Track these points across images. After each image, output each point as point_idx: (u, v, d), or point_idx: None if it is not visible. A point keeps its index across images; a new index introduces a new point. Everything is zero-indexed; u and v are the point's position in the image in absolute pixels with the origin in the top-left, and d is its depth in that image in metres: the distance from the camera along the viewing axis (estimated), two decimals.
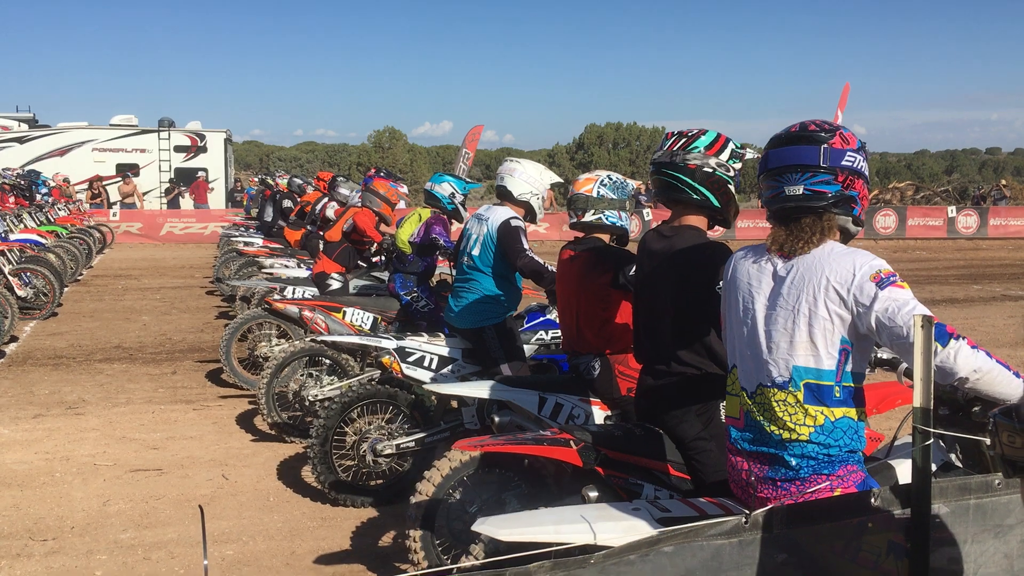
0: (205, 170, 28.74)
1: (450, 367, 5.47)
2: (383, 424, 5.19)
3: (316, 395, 6.26)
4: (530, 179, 5.45)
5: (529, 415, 4.26)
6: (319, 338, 6.41)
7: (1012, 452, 0.57)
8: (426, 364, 5.41)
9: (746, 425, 2.60)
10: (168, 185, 28.53)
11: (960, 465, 2.93)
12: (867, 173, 2.58)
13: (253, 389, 7.37)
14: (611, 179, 4.45)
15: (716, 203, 3.37)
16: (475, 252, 5.36)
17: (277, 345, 7.55)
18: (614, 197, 4.37)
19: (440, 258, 7.16)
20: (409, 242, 7.06)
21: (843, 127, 2.59)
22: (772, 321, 2.50)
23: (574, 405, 4.31)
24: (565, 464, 3.43)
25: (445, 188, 6.95)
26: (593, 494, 3.28)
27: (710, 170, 3.33)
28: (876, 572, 2.05)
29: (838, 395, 2.42)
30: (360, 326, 7.19)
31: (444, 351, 5.48)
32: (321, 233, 9.87)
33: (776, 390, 2.49)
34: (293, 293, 8.34)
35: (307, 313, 7.17)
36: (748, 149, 3.50)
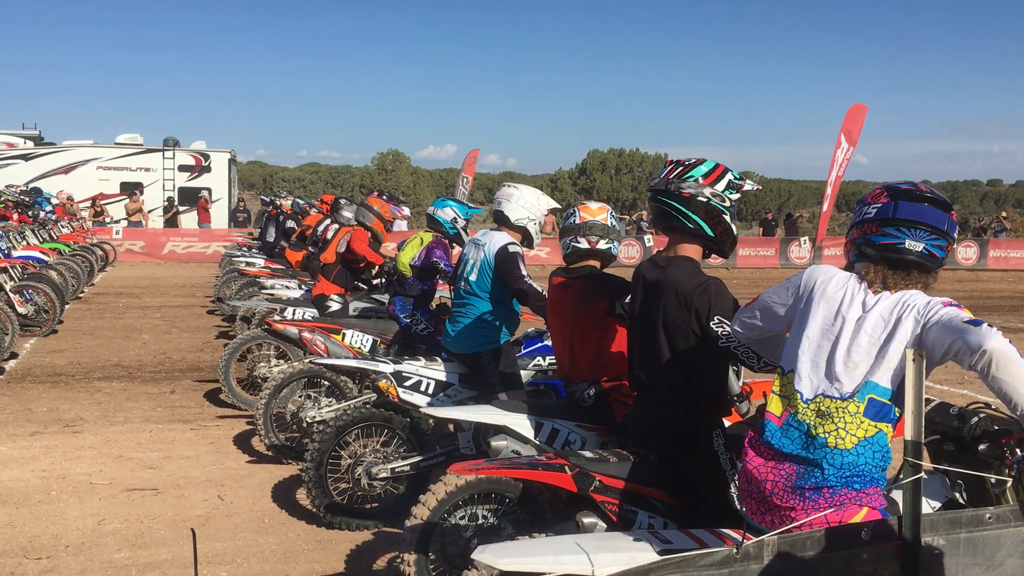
0: (208, 190, 28.86)
1: (447, 392, 5.48)
2: (378, 448, 5.19)
3: (314, 416, 6.27)
4: (527, 204, 5.50)
5: (525, 440, 4.26)
6: (317, 360, 6.43)
7: None
8: (423, 389, 5.42)
9: (787, 424, 2.69)
10: (166, 204, 28.60)
11: (964, 502, 2.94)
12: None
13: (251, 410, 7.38)
14: (612, 212, 4.65)
15: (710, 232, 3.40)
16: (472, 277, 5.39)
17: (276, 366, 7.56)
18: (619, 229, 4.55)
19: (440, 282, 7.18)
20: (410, 265, 7.09)
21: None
22: (855, 343, 2.62)
23: (570, 431, 4.31)
24: (560, 490, 3.43)
25: (447, 213, 6.99)
26: (587, 520, 3.29)
27: (704, 199, 3.37)
28: None
29: (897, 414, 2.56)
30: (359, 348, 7.21)
31: (441, 376, 5.49)
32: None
33: (839, 400, 2.60)
34: (293, 314, 8.35)
35: (307, 334, 7.20)
36: (747, 180, 3.53)
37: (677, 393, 3.39)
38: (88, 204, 27.05)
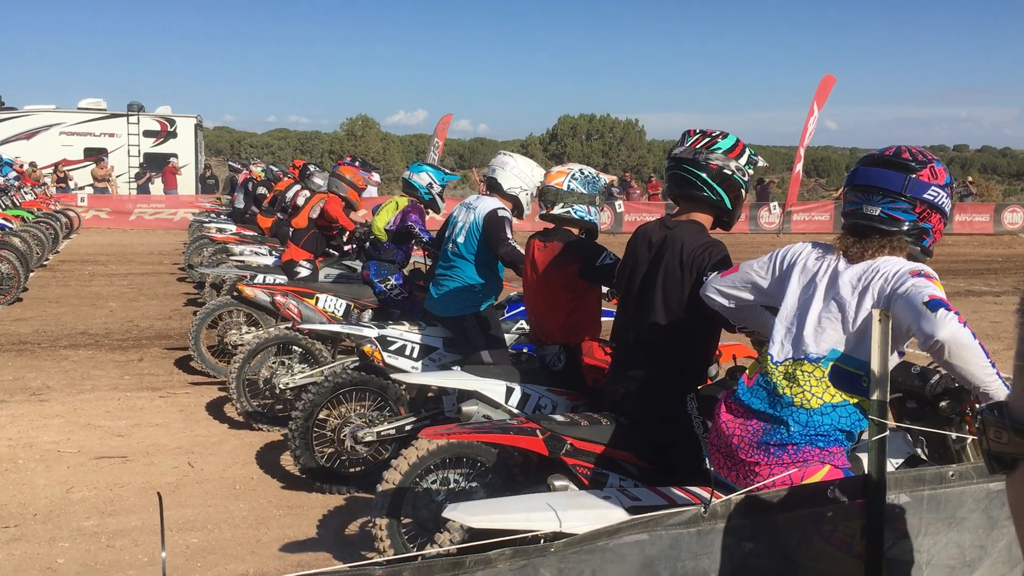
0: (175, 155, 28.43)
1: (431, 356, 5.49)
2: (365, 412, 5.19)
3: (287, 383, 6.27)
4: (521, 174, 5.51)
5: (497, 405, 4.27)
6: (302, 326, 6.39)
7: (999, 448, 0.60)
8: (407, 353, 5.44)
9: (756, 384, 2.74)
10: (138, 170, 28.18)
11: (925, 458, 2.99)
12: (948, 209, 2.72)
13: (223, 377, 7.33)
14: (583, 173, 4.46)
15: (728, 205, 3.46)
16: (460, 239, 5.38)
17: (247, 333, 7.49)
18: (584, 191, 4.39)
19: (415, 247, 7.15)
20: (385, 230, 7.04)
21: (937, 160, 2.71)
22: (826, 308, 2.66)
23: (541, 395, 4.32)
24: (532, 453, 3.45)
25: (423, 178, 6.94)
26: (559, 483, 3.31)
27: (729, 172, 3.43)
28: (850, 554, 2.09)
29: (864, 385, 2.53)
30: (333, 312, 7.18)
31: (426, 340, 5.50)
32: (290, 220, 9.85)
33: (806, 362, 2.64)
34: (263, 281, 8.27)
35: (279, 298, 7.14)
36: (760, 157, 3.59)
37: (659, 356, 3.41)
38: (51, 170, 26.55)
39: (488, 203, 5.40)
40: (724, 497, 1.93)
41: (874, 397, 1.98)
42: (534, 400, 4.32)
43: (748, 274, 2.98)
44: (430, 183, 6.92)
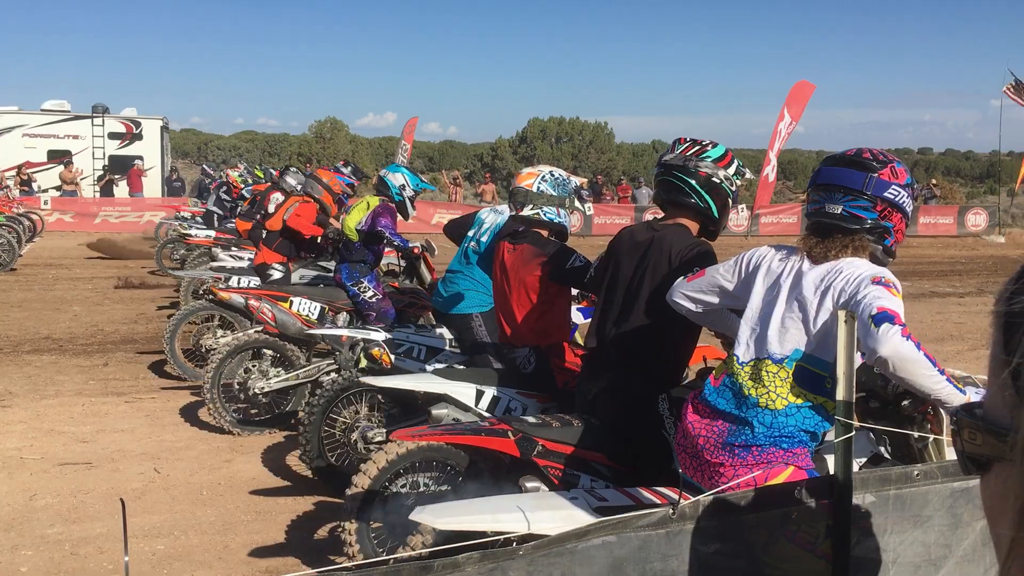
0: (141, 158, 28.08)
1: (438, 357, 5.49)
2: (373, 412, 5.22)
3: (263, 387, 6.27)
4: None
5: (466, 408, 4.26)
6: (313, 331, 6.36)
7: (973, 449, 0.60)
8: (415, 355, 5.45)
9: (723, 385, 2.76)
10: (101, 172, 27.80)
11: (888, 457, 3.02)
12: (909, 209, 2.75)
13: (198, 381, 7.30)
14: (553, 175, 4.47)
15: (715, 213, 3.49)
16: (484, 239, 5.36)
17: (222, 336, 7.46)
18: (553, 194, 4.40)
19: (387, 248, 7.16)
20: (356, 230, 7.01)
21: (897, 161, 2.74)
22: (789, 309, 2.68)
23: (511, 398, 4.32)
24: (503, 455, 3.44)
25: (397, 178, 6.93)
26: (530, 484, 3.30)
27: (718, 180, 3.47)
28: (814, 554, 2.10)
29: (828, 386, 2.55)
30: (307, 316, 7.14)
31: (432, 342, 5.50)
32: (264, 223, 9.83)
33: (771, 363, 2.66)
34: (238, 283, 8.25)
35: (253, 302, 7.06)
36: (747, 170, 3.66)
37: (636, 357, 3.42)
38: (14, 173, 26.12)
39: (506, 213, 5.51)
40: (692, 499, 1.94)
41: (840, 398, 1.99)
42: (504, 403, 4.31)
43: (714, 278, 3.00)
44: (403, 185, 6.90)
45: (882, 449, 3.03)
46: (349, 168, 9.25)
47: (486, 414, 4.23)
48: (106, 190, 27.21)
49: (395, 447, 3.94)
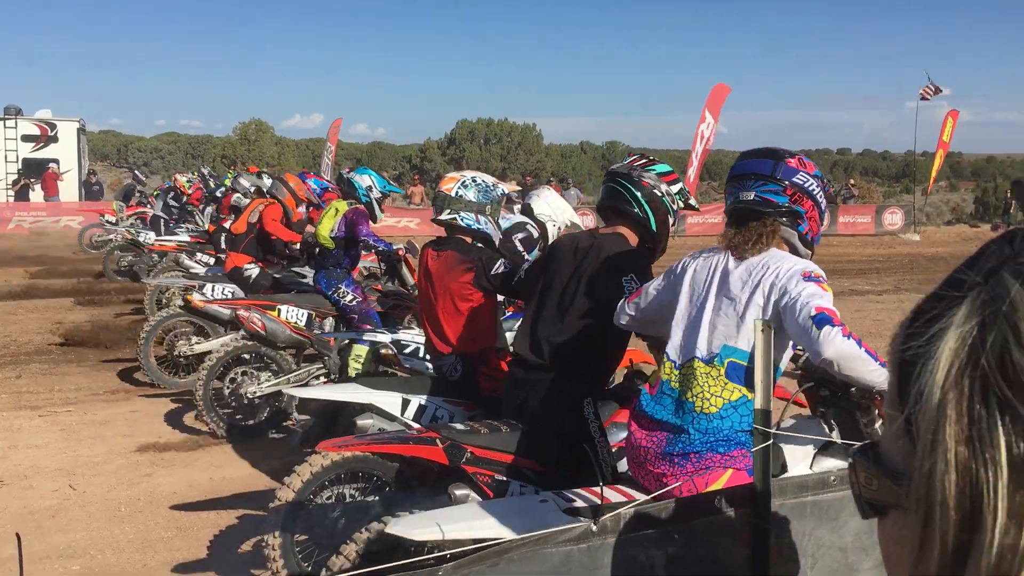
0: (56, 161, 27.21)
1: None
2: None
3: (255, 392, 6.31)
4: (553, 205, 5.78)
5: (392, 418, 4.20)
6: (323, 334, 6.38)
7: (869, 494, 0.59)
8: (422, 355, 5.39)
9: (660, 392, 2.81)
10: (16, 176, 26.84)
11: (840, 442, 3.07)
12: (821, 201, 2.86)
13: (172, 388, 7.57)
14: (475, 181, 4.44)
15: (653, 226, 3.55)
16: None
17: (197, 344, 7.47)
18: (473, 200, 4.38)
19: (364, 252, 7.21)
20: (331, 237, 6.94)
21: (805, 157, 2.89)
22: (717, 307, 2.75)
23: (438, 406, 4.28)
24: (432, 463, 3.41)
25: (364, 179, 6.99)
26: (460, 492, 3.28)
27: (659, 194, 3.54)
28: (733, 563, 2.11)
29: None
30: (296, 323, 7.12)
31: None
32: (227, 227, 9.99)
33: (702, 363, 2.71)
34: (212, 290, 8.16)
35: (242, 313, 7.00)
36: (692, 198, 3.77)
37: (567, 361, 3.44)
38: None
39: (519, 218, 5.66)
40: (613, 512, 1.93)
41: (757, 406, 2.01)
42: (431, 411, 4.27)
43: (650, 292, 3.08)
44: (370, 186, 6.94)
45: (834, 434, 3.08)
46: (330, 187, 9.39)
47: (413, 423, 4.19)
48: (21, 195, 26.26)
49: (320, 459, 3.87)
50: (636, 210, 3.52)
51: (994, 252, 0.56)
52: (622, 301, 3.21)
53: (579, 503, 2.85)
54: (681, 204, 3.63)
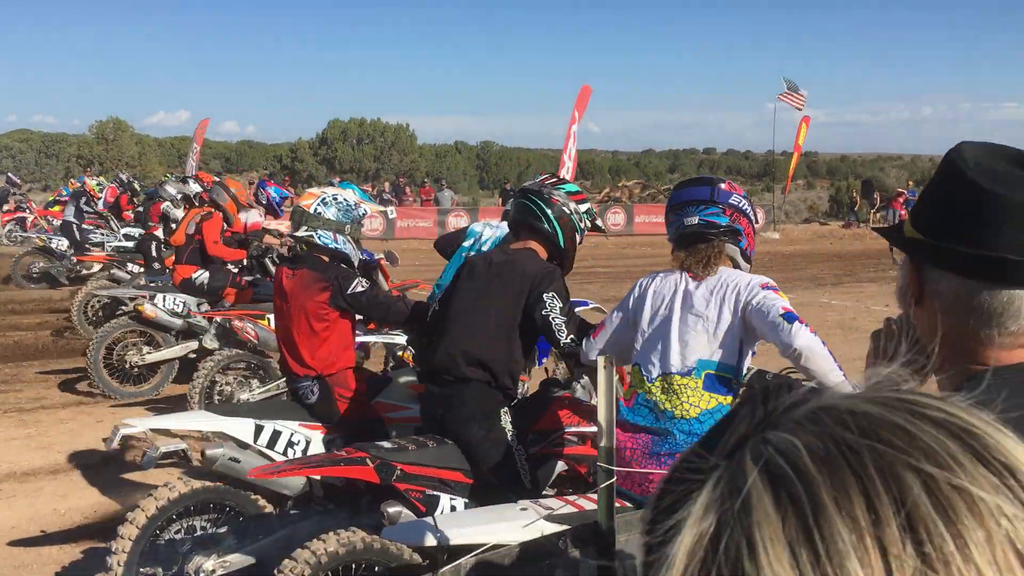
0: None
1: None
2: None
3: (247, 399, 6.28)
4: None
5: (245, 446, 4.03)
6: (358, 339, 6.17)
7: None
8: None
9: (636, 404, 2.99)
10: None
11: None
12: (753, 217, 3.15)
13: (124, 399, 7.60)
14: (336, 199, 4.34)
15: (561, 242, 3.67)
16: (484, 249, 5.17)
17: (148, 353, 7.64)
18: (331, 218, 4.28)
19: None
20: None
21: (730, 181, 3.21)
22: (684, 324, 2.94)
23: (293, 432, 4.14)
24: (360, 482, 3.45)
25: (350, 195, 6.71)
26: (392, 510, 3.33)
27: (568, 211, 3.67)
28: None
29: (735, 385, 2.92)
30: None
31: None
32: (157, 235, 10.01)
33: (680, 376, 2.90)
34: (163, 300, 8.02)
35: (237, 323, 7.08)
36: (599, 220, 3.92)
37: (482, 373, 3.50)
38: None
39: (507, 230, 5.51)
40: (453, 564, 1.88)
41: (601, 444, 1.99)
42: (286, 436, 4.13)
43: (613, 322, 3.23)
44: (356, 202, 6.78)
45: None
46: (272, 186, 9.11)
47: (267, 450, 4.03)
48: None
49: (166, 492, 3.71)
50: (546, 226, 3.64)
51: (745, 417, 0.52)
52: (586, 341, 3.31)
53: (564, 510, 3.05)
54: (588, 224, 3.77)
